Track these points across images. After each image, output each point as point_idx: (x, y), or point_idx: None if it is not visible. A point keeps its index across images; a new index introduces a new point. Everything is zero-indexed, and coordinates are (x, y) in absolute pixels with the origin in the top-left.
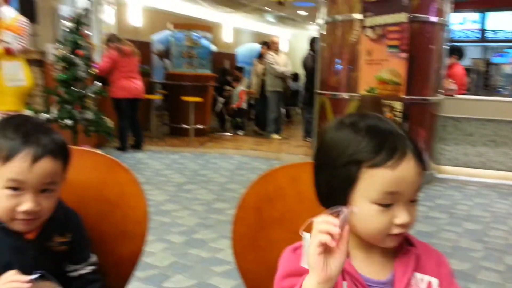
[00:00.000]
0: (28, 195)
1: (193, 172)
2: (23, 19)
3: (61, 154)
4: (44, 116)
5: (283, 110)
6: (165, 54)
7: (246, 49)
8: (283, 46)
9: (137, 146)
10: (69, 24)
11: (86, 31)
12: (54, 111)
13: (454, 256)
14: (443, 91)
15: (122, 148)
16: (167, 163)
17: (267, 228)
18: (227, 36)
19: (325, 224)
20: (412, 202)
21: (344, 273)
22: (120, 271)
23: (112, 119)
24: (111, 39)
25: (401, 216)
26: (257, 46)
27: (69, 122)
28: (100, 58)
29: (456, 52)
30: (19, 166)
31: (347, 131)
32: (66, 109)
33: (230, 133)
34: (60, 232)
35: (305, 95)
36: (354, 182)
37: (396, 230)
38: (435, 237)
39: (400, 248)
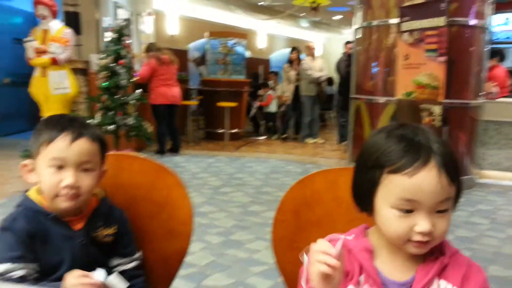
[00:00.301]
0: (68, 172)
1: (228, 175)
2: (68, 31)
3: (97, 140)
4: (88, 121)
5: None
6: (201, 61)
7: (280, 54)
8: (317, 51)
9: (175, 150)
10: (111, 34)
11: (127, 41)
12: (98, 117)
13: (496, 262)
14: (484, 94)
15: (161, 152)
16: (203, 166)
17: (305, 231)
18: (261, 42)
19: (323, 255)
20: (439, 212)
21: (362, 269)
22: (167, 267)
23: (151, 125)
24: (150, 48)
25: (421, 224)
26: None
27: (111, 127)
28: (140, 67)
29: (497, 54)
30: (60, 145)
31: (381, 137)
32: (108, 115)
33: (264, 137)
34: (105, 224)
35: (339, 99)
36: (377, 185)
37: (416, 238)
38: (476, 243)
39: (428, 254)
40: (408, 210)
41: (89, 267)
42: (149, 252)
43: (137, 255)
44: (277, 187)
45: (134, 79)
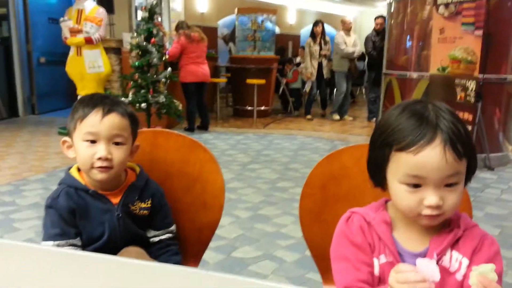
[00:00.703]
0: (101, 145)
1: (256, 152)
2: (101, 10)
3: (127, 115)
4: (122, 99)
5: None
6: (230, 38)
7: (309, 30)
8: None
9: (204, 127)
10: (142, 13)
11: (158, 20)
12: (130, 95)
13: None
14: None
15: (190, 129)
16: (231, 143)
17: (332, 204)
18: (291, 18)
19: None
20: (448, 186)
21: (380, 240)
22: (201, 238)
23: (181, 102)
24: (181, 26)
25: (429, 198)
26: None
27: (143, 105)
28: (171, 45)
29: None
30: (92, 120)
31: (393, 114)
32: (140, 93)
33: (293, 114)
34: (141, 198)
35: (368, 75)
36: (387, 162)
37: (426, 211)
38: (507, 220)
39: (443, 226)
40: (416, 185)
41: (126, 239)
42: (184, 223)
43: (172, 228)
44: (304, 164)
45: (165, 57)
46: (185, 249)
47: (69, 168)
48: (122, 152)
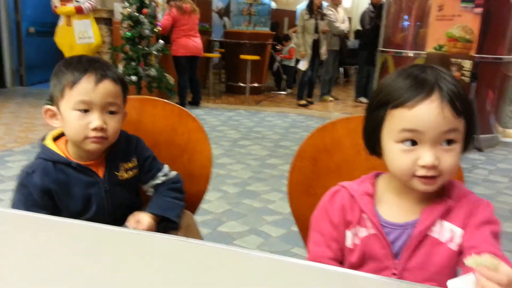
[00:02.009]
0: (95, 114)
1: (247, 129)
2: None
3: (120, 81)
4: None
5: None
6: (224, 12)
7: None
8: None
9: (195, 103)
10: None
11: None
12: (120, 68)
13: None
14: None
15: (181, 104)
16: (223, 119)
17: (323, 177)
18: None
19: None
20: (445, 146)
21: (362, 213)
22: (187, 208)
23: (173, 76)
24: None
25: (424, 157)
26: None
27: (134, 78)
28: (163, 16)
29: None
30: (85, 87)
31: (392, 77)
32: (131, 66)
33: (286, 92)
34: (125, 158)
35: (361, 54)
36: (382, 123)
37: (420, 172)
38: (493, 200)
39: (433, 198)
40: (412, 143)
41: (116, 212)
42: None
43: (166, 169)
44: (295, 142)
45: (157, 29)
46: None
47: (42, 139)
48: (117, 121)
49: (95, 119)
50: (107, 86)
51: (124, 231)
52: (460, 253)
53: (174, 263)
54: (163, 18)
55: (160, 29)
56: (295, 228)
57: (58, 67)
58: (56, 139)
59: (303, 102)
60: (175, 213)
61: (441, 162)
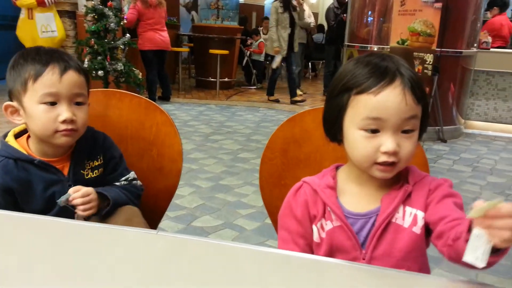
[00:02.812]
0: (63, 106)
1: (219, 124)
2: None
3: (82, 71)
4: None
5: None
6: (192, 6)
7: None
8: None
9: (166, 98)
10: None
11: None
12: (86, 62)
13: None
14: (478, 44)
15: (151, 99)
16: (194, 114)
17: (293, 168)
18: None
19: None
20: (405, 133)
21: (325, 206)
22: (157, 204)
23: (141, 71)
24: None
25: (386, 144)
26: None
27: (100, 73)
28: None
29: (498, 3)
30: (50, 79)
31: (351, 64)
32: (97, 60)
33: (255, 86)
34: (91, 156)
35: (327, 49)
36: (345, 109)
37: (382, 158)
38: (458, 189)
39: (393, 184)
40: (374, 130)
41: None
42: None
43: (131, 176)
44: (266, 136)
45: (123, 22)
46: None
47: (5, 136)
48: (85, 112)
49: (63, 111)
50: (72, 76)
51: (96, 226)
52: (427, 233)
53: (146, 256)
54: (128, 11)
55: (125, 23)
56: (269, 221)
57: (14, 60)
58: (18, 136)
59: (273, 98)
60: (112, 194)
61: (401, 149)
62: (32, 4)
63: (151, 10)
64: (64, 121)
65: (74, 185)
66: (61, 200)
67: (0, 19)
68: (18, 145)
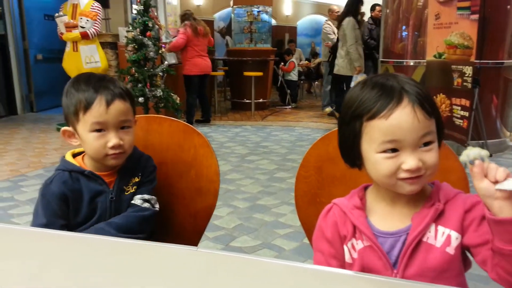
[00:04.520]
0: (111, 133)
1: (255, 144)
2: (96, 4)
3: (128, 96)
4: None
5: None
6: (226, 31)
7: (306, 21)
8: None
9: (206, 121)
10: (138, 6)
11: (154, 13)
12: None
13: None
14: None
15: (189, 122)
16: (230, 136)
17: (328, 186)
18: (287, 9)
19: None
20: (424, 146)
21: (355, 227)
22: (196, 223)
23: (178, 96)
24: (188, 17)
25: (407, 162)
26: (318, 18)
27: (141, 99)
28: (167, 38)
29: None
30: (98, 110)
31: (356, 90)
32: (138, 88)
33: (290, 106)
34: (134, 174)
35: (365, 64)
36: (359, 136)
37: (404, 175)
38: None
39: (423, 202)
40: (393, 150)
41: None
42: (179, 209)
43: (146, 197)
44: (302, 155)
45: (161, 50)
46: (181, 236)
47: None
48: (131, 135)
49: (111, 138)
50: (117, 106)
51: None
52: (464, 254)
53: (187, 273)
54: (178, 35)
55: (170, 46)
56: (307, 241)
57: (68, 88)
58: (76, 155)
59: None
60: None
61: (425, 163)
62: (76, 38)
63: (200, 38)
64: (112, 147)
65: (115, 199)
66: None
67: (47, 53)
68: (73, 160)
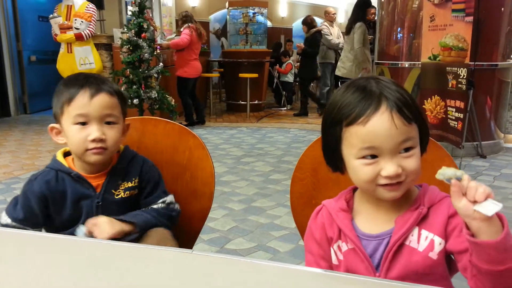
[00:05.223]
0: (93, 126)
1: (250, 146)
2: (91, 6)
3: (116, 93)
4: None
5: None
6: (222, 33)
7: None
8: (339, 17)
9: (201, 122)
10: (133, 7)
11: (149, 14)
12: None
13: None
14: None
15: (191, 123)
16: (225, 137)
17: (324, 188)
18: (282, 11)
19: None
20: (404, 153)
21: (340, 229)
22: (191, 226)
23: (174, 97)
24: (189, 20)
25: (386, 168)
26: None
27: (135, 101)
28: (161, 39)
29: None
30: (81, 101)
31: (340, 92)
32: (132, 89)
33: (285, 108)
34: (126, 177)
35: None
36: (340, 141)
37: (384, 181)
38: None
39: (408, 205)
40: (373, 156)
41: None
42: None
43: (168, 199)
44: (297, 156)
45: (156, 52)
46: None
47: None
48: (115, 132)
49: (93, 131)
50: (102, 98)
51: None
52: (447, 257)
53: (182, 275)
54: (182, 35)
55: (171, 44)
56: (302, 243)
57: (58, 87)
58: (68, 155)
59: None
60: (137, 219)
61: (404, 169)
62: (71, 39)
63: (200, 42)
64: (93, 140)
65: (102, 203)
66: (79, 234)
67: (41, 54)
68: (63, 160)
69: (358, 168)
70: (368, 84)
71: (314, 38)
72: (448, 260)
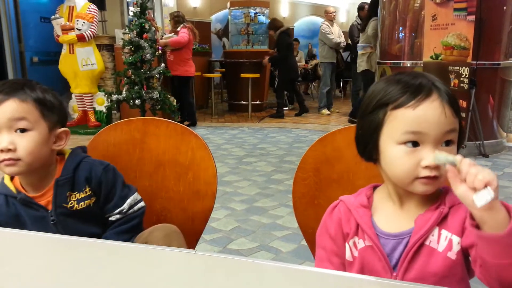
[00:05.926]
0: (3, 136)
1: (252, 146)
2: (93, 7)
3: (33, 100)
4: (115, 96)
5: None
6: (223, 33)
7: (303, 22)
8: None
9: (193, 124)
10: (134, 8)
11: (150, 15)
12: (124, 92)
13: None
14: None
15: (194, 123)
16: (227, 138)
17: (326, 188)
18: (284, 11)
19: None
20: (446, 146)
21: (359, 225)
22: (194, 226)
23: (175, 98)
24: (182, 20)
25: (428, 158)
26: (315, 19)
27: (137, 101)
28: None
29: None
30: None
31: (382, 83)
32: (134, 90)
33: (287, 108)
34: (75, 188)
35: (353, 67)
36: (381, 125)
37: (423, 173)
38: None
39: (429, 205)
40: (415, 144)
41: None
42: (177, 213)
43: (124, 204)
44: (299, 156)
45: (158, 52)
46: None
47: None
48: (29, 140)
49: (1, 141)
50: (10, 105)
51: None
52: (465, 257)
53: (185, 275)
54: (182, 34)
55: (171, 42)
56: (304, 243)
57: None
58: None
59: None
60: None
61: None
62: (73, 40)
63: (193, 40)
64: (1, 151)
65: (57, 220)
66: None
67: (44, 55)
68: (10, 183)
69: (397, 157)
70: (415, 78)
71: (280, 39)
72: (467, 262)
